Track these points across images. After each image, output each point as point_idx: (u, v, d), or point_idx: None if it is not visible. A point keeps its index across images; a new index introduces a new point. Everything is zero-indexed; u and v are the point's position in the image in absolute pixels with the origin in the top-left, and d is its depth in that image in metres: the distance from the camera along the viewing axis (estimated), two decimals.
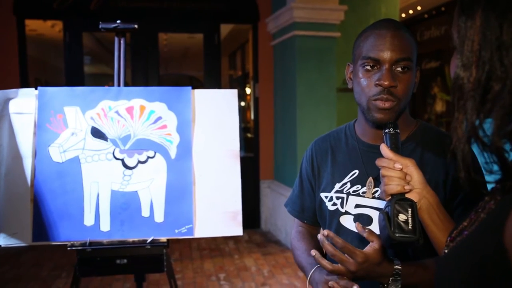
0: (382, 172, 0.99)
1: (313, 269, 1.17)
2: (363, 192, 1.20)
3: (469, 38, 0.65)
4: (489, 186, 0.68)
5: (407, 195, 0.96)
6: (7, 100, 1.51)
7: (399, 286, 1.02)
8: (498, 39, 0.62)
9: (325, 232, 1.04)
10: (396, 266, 1.03)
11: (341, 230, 1.22)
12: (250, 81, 5.75)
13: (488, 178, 0.66)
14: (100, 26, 1.61)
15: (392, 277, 1.02)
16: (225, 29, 5.87)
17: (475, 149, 0.66)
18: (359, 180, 1.21)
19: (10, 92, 1.52)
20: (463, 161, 0.67)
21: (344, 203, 1.22)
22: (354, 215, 1.20)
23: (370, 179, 1.19)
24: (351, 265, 1.01)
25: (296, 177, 1.42)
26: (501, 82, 0.61)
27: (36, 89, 1.54)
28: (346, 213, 1.22)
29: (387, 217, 0.95)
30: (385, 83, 1.07)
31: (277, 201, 4.98)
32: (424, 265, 1.06)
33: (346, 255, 1.02)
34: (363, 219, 1.19)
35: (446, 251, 0.74)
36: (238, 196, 1.56)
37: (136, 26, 1.62)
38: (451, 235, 0.74)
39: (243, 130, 6.21)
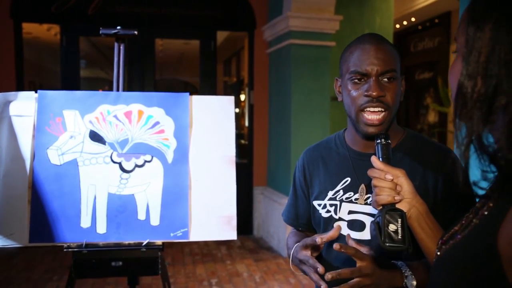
0: (374, 182, 1.02)
1: (294, 247, 1.23)
2: (356, 199, 1.23)
3: (476, 49, 0.64)
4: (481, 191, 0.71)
5: (397, 205, 0.99)
6: (7, 103, 1.53)
7: (414, 282, 1.05)
8: (507, 54, 0.61)
9: (337, 246, 1.06)
10: (400, 262, 1.08)
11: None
12: (245, 87, 5.79)
13: (482, 184, 0.68)
14: (100, 32, 1.64)
15: (404, 274, 1.06)
16: (220, 35, 5.91)
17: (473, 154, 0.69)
18: (351, 187, 1.25)
19: (10, 94, 1.54)
20: (464, 166, 0.68)
21: (337, 210, 1.26)
22: (348, 221, 1.24)
23: (362, 186, 1.22)
24: (367, 265, 1.04)
25: (289, 184, 1.45)
26: (507, 97, 0.62)
27: (36, 92, 1.56)
28: (340, 219, 1.25)
29: (378, 227, 0.98)
30: (374, 93, 1.12)
31: (270, 207, 5.00)
32: (424, 262, 1.10)
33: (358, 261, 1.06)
34: (356, 225, 1.23)
35: (438, 253, 0.77)
36: (233, 201, 1.58)
37: (136, 32, 1.65)
38: (442, 238, 0.77)
39: (237, 136, 6.24)
